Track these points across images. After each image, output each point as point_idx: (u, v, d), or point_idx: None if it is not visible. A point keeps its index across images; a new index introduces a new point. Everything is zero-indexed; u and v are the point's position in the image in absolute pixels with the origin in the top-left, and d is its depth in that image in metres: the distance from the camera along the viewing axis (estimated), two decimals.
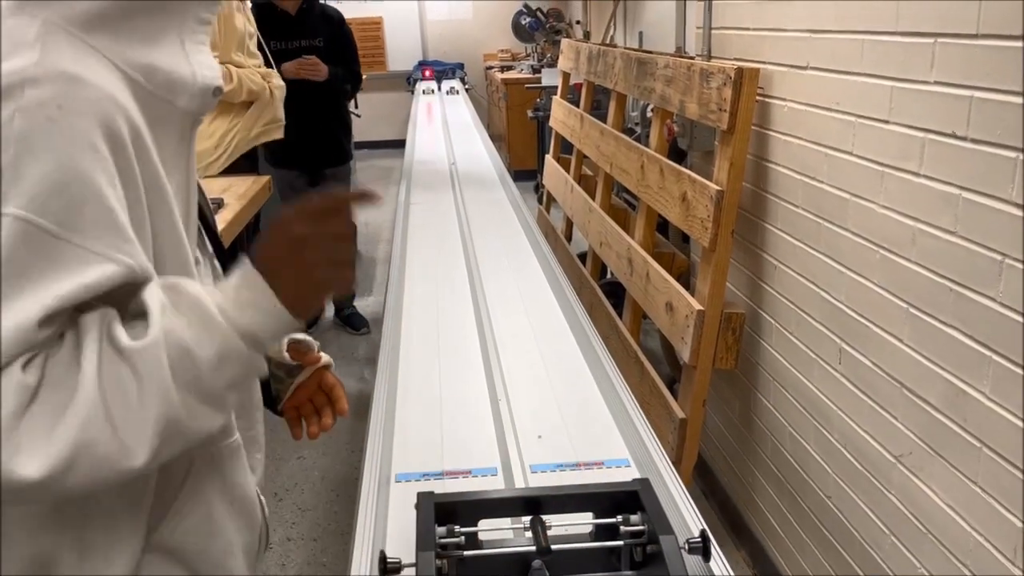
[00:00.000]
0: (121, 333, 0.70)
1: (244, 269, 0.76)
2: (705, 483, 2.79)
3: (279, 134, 3.32)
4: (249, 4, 3.23)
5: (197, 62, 0.80)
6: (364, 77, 4.21)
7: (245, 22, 3.17)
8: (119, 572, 0.82)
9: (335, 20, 3.87)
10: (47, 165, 0.65)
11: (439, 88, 7.55)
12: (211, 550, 0.90)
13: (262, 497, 1.02)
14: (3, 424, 0.64)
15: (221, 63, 3.04)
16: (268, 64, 3.28)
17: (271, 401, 1.10)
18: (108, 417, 0.68)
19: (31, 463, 0.65)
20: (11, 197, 0.64)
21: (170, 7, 0.78)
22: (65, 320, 0.69)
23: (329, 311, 4.31)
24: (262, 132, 3.23)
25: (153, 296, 0.72)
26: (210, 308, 0.73)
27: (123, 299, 0.73)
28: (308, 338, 1.10)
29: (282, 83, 3.23)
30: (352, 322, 4.21)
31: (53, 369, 0.68)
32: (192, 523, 0.87)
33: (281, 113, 3.29)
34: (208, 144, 3.12)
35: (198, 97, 0.80)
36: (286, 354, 1.07)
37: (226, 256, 0.99)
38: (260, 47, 3.27)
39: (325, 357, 1.13)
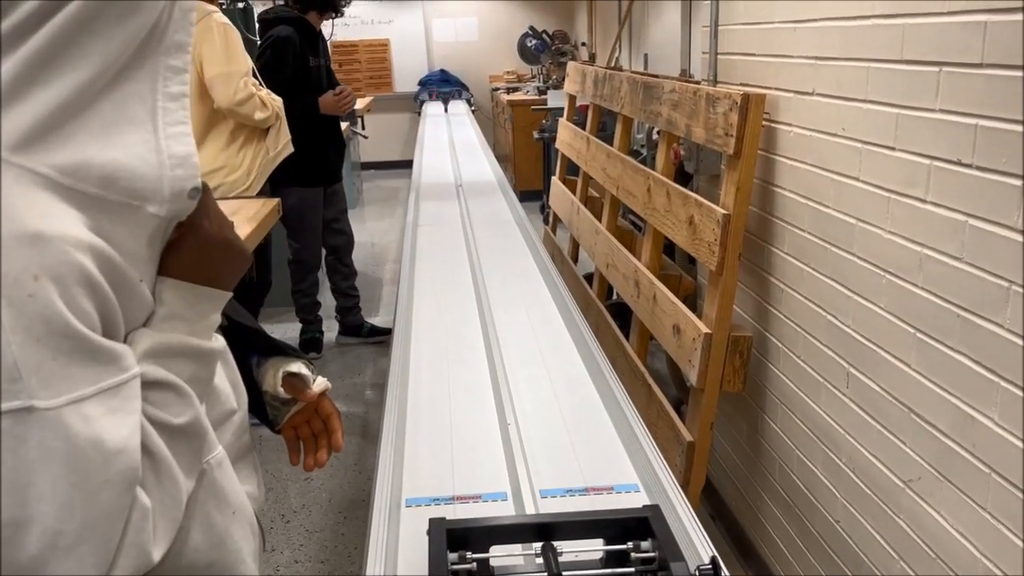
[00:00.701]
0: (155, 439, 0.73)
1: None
2: (713, 506, 2.78)
3: (290, 149, 3.36)
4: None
5: (171, 156, 0.71)
6: (372, 99, 4.28)
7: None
8: None
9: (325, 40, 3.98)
10: (52, 340, 0.63)
11: (446, 111, 7.61)
12: (220, 561, 0.90)
13: (258, 518, 1.02)
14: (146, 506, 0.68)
15: (256, 89, 3.07)
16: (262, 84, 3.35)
17: (268, 420, 1.10)
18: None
19: (158, 549, 0.71)
20: (37, 388, 0.62)
21: (131, 90, 0.69)
22: None
23: (333, 332, 4.30)
24: (278, 153, 3.28)
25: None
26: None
27: None
28: (305, 372, 1.08)
29: (280, 102, 3.27)
30: (377, 330, 4.20)
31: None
32: (197, 539, 0.87)
33: (287, 130, 3.33)
34: (239, 173, 3.19)
35: (168, 203, 0.71)
36: (281, 389, 1.06)
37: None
38: (255, 74, 3.34)
39: (321, 381, 1.10)
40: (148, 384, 0.73)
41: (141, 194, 0.69)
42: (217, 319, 0.81)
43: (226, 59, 2.99)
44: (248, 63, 3.11)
